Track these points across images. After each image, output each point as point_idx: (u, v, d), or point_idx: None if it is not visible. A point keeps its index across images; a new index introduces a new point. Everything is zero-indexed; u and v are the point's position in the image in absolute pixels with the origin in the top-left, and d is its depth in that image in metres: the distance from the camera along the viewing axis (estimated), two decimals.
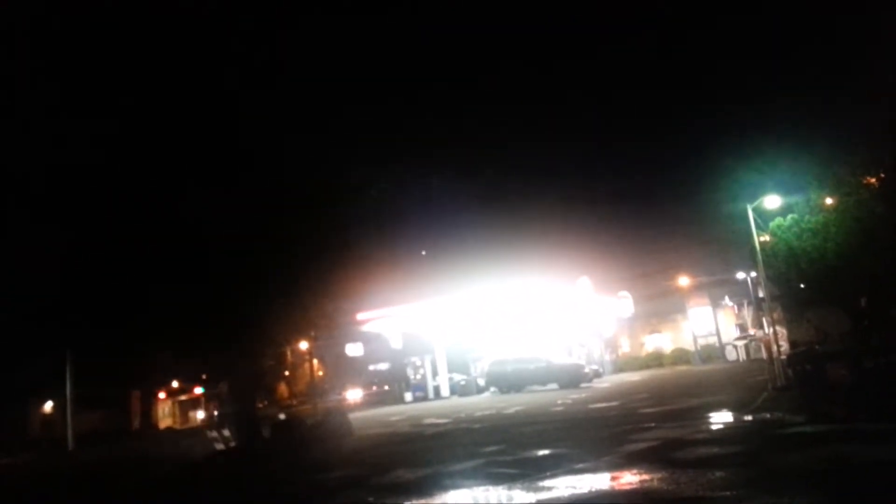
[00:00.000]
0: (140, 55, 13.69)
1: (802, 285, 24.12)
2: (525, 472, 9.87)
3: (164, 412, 44.98)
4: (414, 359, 39.80)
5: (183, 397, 45.24)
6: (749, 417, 13.83)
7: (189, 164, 14.28)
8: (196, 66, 14.10)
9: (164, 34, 13.79)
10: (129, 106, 13.72)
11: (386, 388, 39.39)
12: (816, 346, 22.69)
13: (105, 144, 13.92)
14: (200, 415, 42.09)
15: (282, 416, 19.77)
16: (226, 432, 18.83)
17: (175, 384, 43.75)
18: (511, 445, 13.15)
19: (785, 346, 26.71)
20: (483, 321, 35.41)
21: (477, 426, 18.37)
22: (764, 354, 23.58)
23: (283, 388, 42.14)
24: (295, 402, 22.39)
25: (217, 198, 14.18)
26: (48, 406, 39.74)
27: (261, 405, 19.53)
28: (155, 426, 43.01)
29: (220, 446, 18.78)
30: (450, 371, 38.00)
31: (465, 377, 37.15)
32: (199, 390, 43.12)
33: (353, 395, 33.98)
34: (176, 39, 13.75)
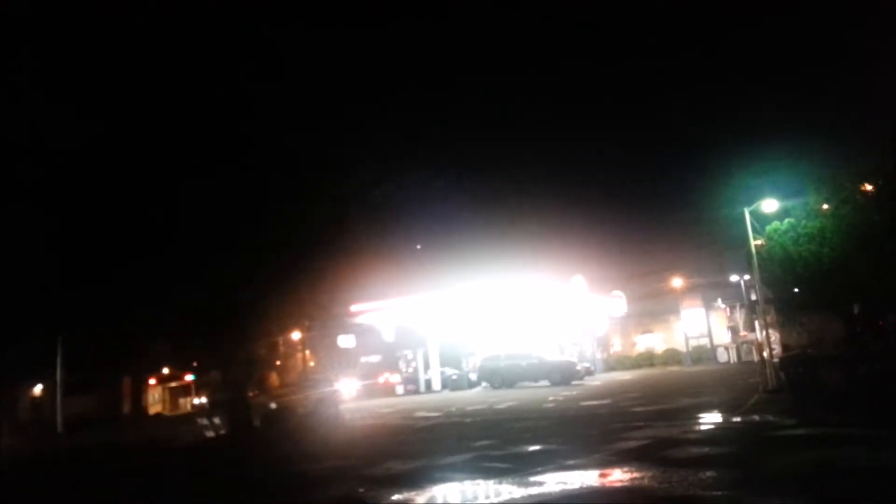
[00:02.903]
0: (147, 42, 13.57)
1: (797, 289, 24.14)
2: (515, 466, 9.86)
3: (155, 398, 44.79)
4: (406, 352, 39.71)
5: (174, 384, 45.05)
6: (740, 419, 13.85)
7: (189, 151, 14.18)
8: (204, 54, 13.99)
9: (169, 23, 13.67)
10: (135, 91, 13.61)
11: (380, 380, 39.31)
12: (809, 350, 22.73)
13: (108, 129, 13.81)
14: (192, 402, 42.00)
15: (273, 406, 19.71)
16: (216, 420, 18.79)
17: (166, 371, 43.55)
18: (502, 440, 13.14)
19: (777, 349, 26.75)
20: (476, 317, 35.37)
21: (468, 420, 18.36)
22: (755, 357, 23.62)
23: (274, 378, 42.09)
24: (287, 391, 22.35)
25: (214, 186, 14.09)
26: (38, 389, 39.54)
27: (252, 394, 19.47)
28: (145, 412, 42.80)
29: (210, 434, 18.74)
30: (442, 365, 37.97)
31: (456, 372, 37.12)
32: (189, 377, 42.94)
33: (348, 386, 33.98)
34: (183, 29, 13.64)
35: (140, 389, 43.28)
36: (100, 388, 38.22)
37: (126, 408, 41.42)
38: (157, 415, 42.45)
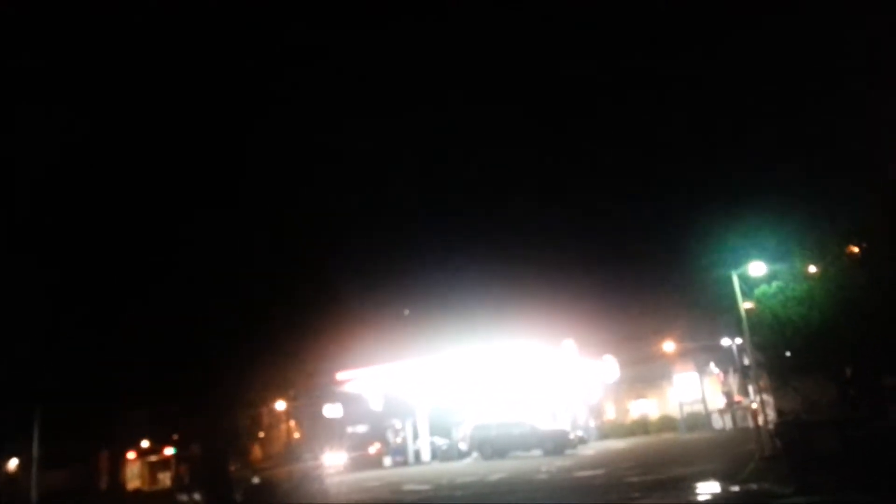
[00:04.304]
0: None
1: (788, 353, 23.99)
2: None
3: (133, 473, 43.35)
4: (394, 421, 38.82)
5: (153, 458, 43.66)
6: (737, 488, 13.50)
7: (167, 213, 14.10)
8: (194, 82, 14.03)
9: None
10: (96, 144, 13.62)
11: (370, 450, 38.31)
12: (803, 415, 22.42)
13: (85, 191, 13.75)
14: (172, 476, 40.66)
15: (256, 480, 19.02)
16: (196, 496, 18.14)
17: (145, 444, 42.30)
18: None
19: (772, 414, 26.37)
20: (466, 383, 34.80)
21: (458, 493, 17.78)
22: (750, 423, 23.25)
23: (257, 450, 40.96)
24: (270, 464, 21.60)
25: (196, 249, 13.95)
26: (13, 464, 38.20)
27: (234, 468, 18.83)
28: (123, 487, 41.35)
29: None
30: (431, 434, 37.06)
31: (446, 441, 36.21)
32: (169, 451, 41.66)
33: (334, 458, 32.97)
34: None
35: (118, 464, 41.94)
36: (76, 463, 36.96)
37: (103, 483, 40.02)
38: (136, 490, 41.01)
